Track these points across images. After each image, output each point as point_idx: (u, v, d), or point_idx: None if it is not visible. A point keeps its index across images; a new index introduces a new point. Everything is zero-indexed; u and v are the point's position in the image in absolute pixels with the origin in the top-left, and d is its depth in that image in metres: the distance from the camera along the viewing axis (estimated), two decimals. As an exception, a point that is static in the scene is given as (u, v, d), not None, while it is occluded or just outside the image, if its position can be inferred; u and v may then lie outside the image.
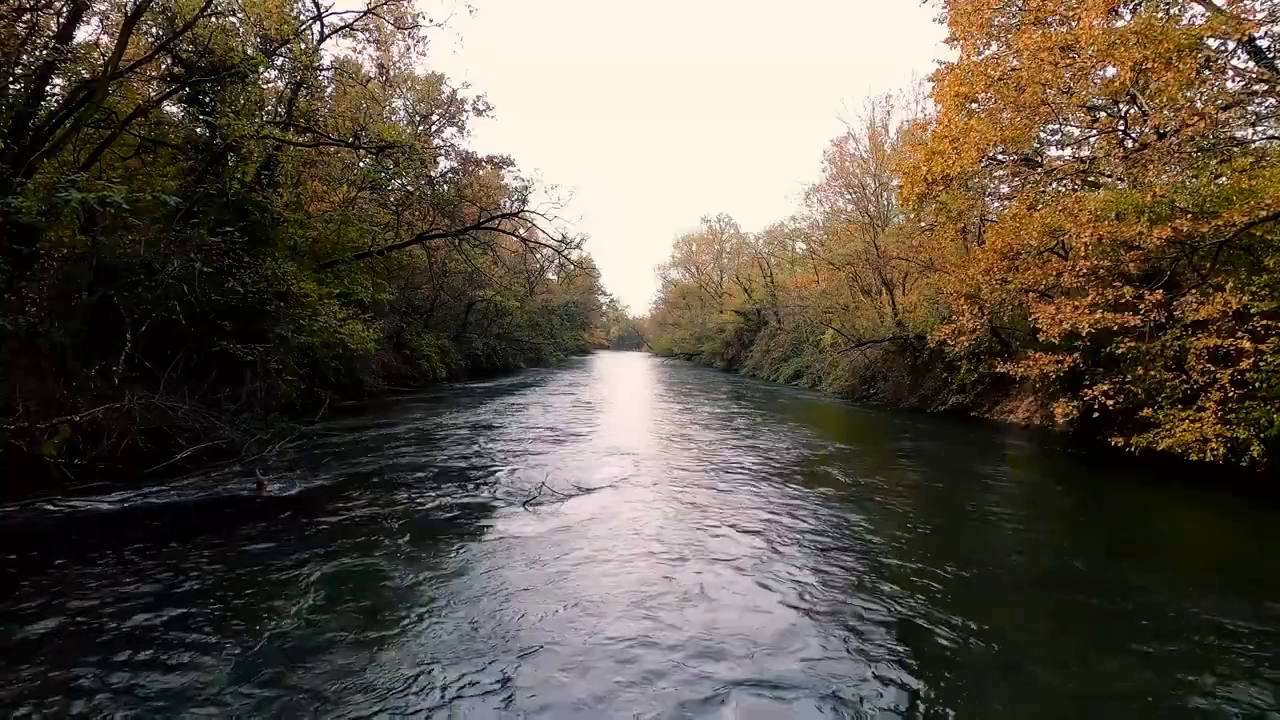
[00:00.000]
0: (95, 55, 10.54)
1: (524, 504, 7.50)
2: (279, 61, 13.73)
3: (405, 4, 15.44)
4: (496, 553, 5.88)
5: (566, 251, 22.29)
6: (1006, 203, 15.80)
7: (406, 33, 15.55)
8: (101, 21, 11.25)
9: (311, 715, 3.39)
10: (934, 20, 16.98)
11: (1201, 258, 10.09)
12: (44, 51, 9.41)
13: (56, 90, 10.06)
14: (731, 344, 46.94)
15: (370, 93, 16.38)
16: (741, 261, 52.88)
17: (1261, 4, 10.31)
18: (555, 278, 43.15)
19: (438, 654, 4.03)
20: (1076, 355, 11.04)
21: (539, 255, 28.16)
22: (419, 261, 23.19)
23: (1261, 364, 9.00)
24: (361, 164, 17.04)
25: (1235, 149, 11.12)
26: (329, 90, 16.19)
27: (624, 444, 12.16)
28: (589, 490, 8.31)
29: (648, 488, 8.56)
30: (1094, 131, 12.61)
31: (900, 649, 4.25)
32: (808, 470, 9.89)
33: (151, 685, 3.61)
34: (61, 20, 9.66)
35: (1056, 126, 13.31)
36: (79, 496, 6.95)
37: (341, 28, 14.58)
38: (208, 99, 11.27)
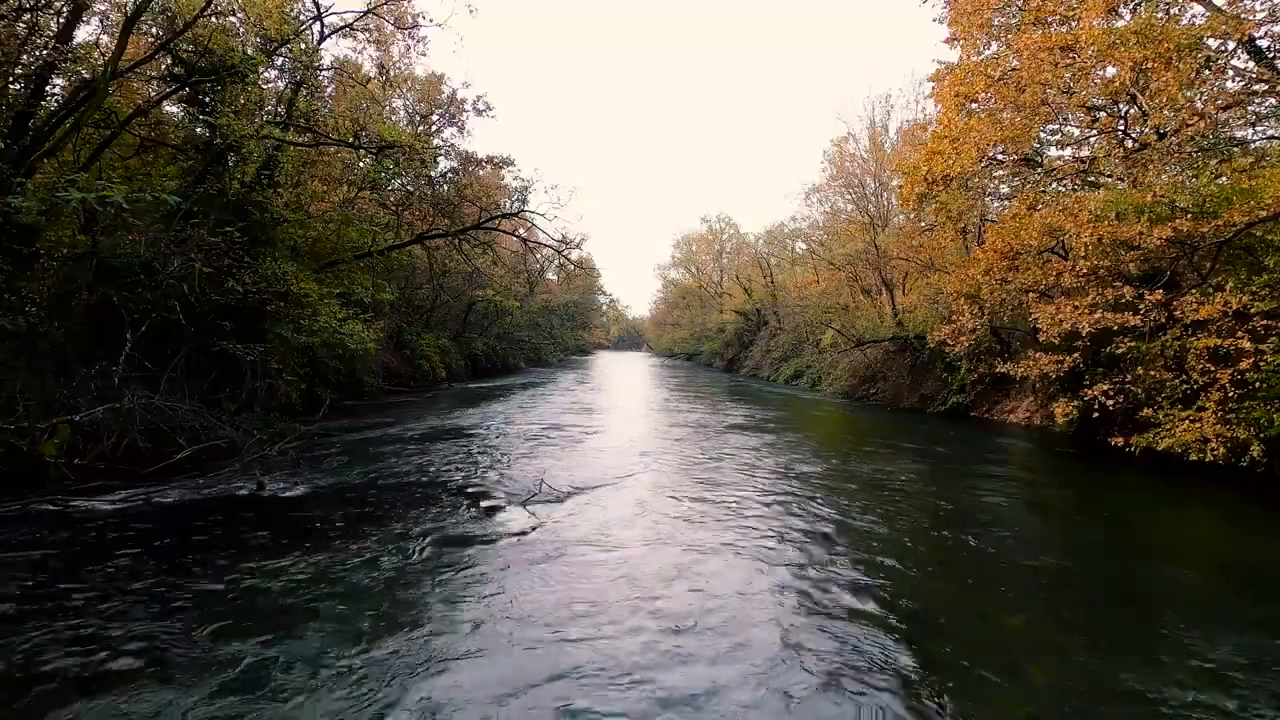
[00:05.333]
0: (95, 55, 10.54)
1: (523, 503, 7.50)
2: (279, 61, 13.72)
3: (405, 4, 15.45)
4: (496, 552, 5.88)
5: (566, 251, 22.29)
6: (1006, 203, 15.80)
7: (406, 33, 15.54)
8: (101, 21, 11.26)
9: (310, 714, 3.39)
10: (934, 20, 16.99)
11: (1201, 258, 10.09)
12: (44, 51, 9.40)
13: (56, 90, 10.05)
14: (731, 344, 46.97)
15: (370, 93, 16.35)
16: (741, 261, 52.87)
17: (1261, 4, 10.31)
18: (555, 278, 43.08)
19: (437, 654, 4.02)
20: (1076, 355, 11.03)
21: (539, 255, 28.13)
22: (419, 261, 23.16)
23: (1261, 364, 9.00)
24: (361, 164, 17.02)
25: (1235, 149, 11.12)
26: (329, 90, 16.18)
27: (622, 443, 12.16)
28: (587, 489, 8.31)
29: (645, 487, 8.56)
30: (1094, 131, 12.61)
31: (899, 648, 4.25)
32: (805, 470, 9.88)
33: (150, 684, 3.61)
34: (61, 20, 9.66)
35: (1056, 126, 13.31)
36: (79, 496, 6.96)
37: (341, 28, 14.59)
38: (208, 99, 11.27)
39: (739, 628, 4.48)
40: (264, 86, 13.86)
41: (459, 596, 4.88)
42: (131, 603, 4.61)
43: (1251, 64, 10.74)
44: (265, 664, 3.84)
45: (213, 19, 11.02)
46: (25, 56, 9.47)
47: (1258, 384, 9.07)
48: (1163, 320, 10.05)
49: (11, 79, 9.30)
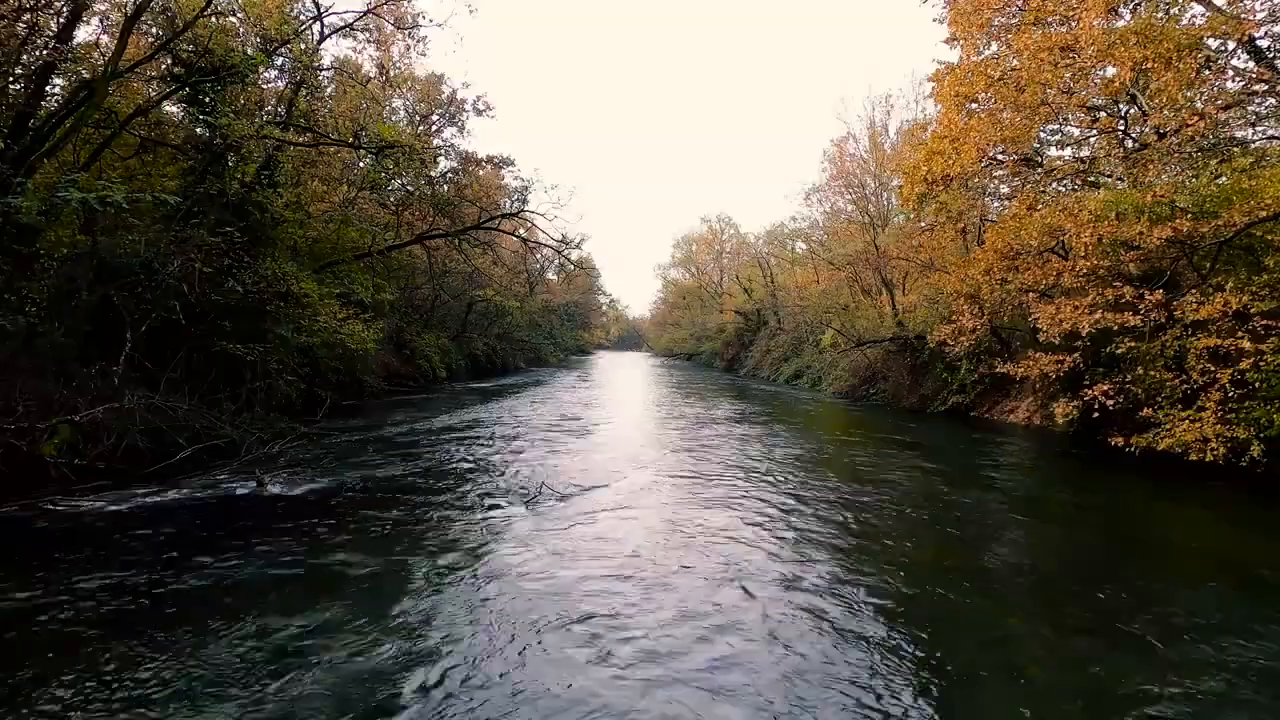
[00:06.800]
0: (95, 55, 10.55)
1: (525, 504, 7.50)
2: (279, 61, 13.73)
3: (405, 4, 15.46)
4: (496, 553, 5.88)
5: (567, 251, 22.28)
6: (1006, 203, 15.80)
7: (406, 33, 15.54)
8: (101, 21, 11.26)
9: (310, 714, 3.39)
10: (934, 20, 17.00)
11: (1201, 258, 10.09)
12: (44, 51, 9.40)
13: (56, 90, 10.06)
14: (731, 344, 46.95)
15: (370, 93, 16.37)
16: (741, 261, 52.90)
17: (1261, 4, 10.31)
18: (555, 278, 43.20)
19: (437, 654, 4.02)
20: (1076, 355, 11.03)
21: (539, 255, 28.20)
22: (419, 261, 23.18)
23: (1261, 364, 9.00)
24: (361, 164, 17.04)
25: (1235, 149, 11.11)
26: (329, 90, 16.18)
27: (623, 443, 12.16)
28: (589, 489, 8.30)
29: (646, 487, 8.56)
30: (1094, 131, 12.61)
31: (899, 649, 4.25)
32: (805, 471, 9.88)
33: (150, 684, 3.61)
34: (61, 20, 9.66)
35: (1056, 126, 13.31)
36: (79, 496, 6.95)
37: (341, 28, 14.59)
38: (208, 99, 11.26)
39: (736, 629, 4.47)
40: (264, 86, 13.88)
41: (459, 596, 4.88)
42: (130, 603, 4.61)
43: (1251, 64, 10.74)
44: (265, 662, 3.84)
45: (213, 19, 11.02)
46: (25, 56, 9.47)
47: (1258, 384, 9.07)
48: (1163, 320, 10.05)
49: (11, 79, 9.30)
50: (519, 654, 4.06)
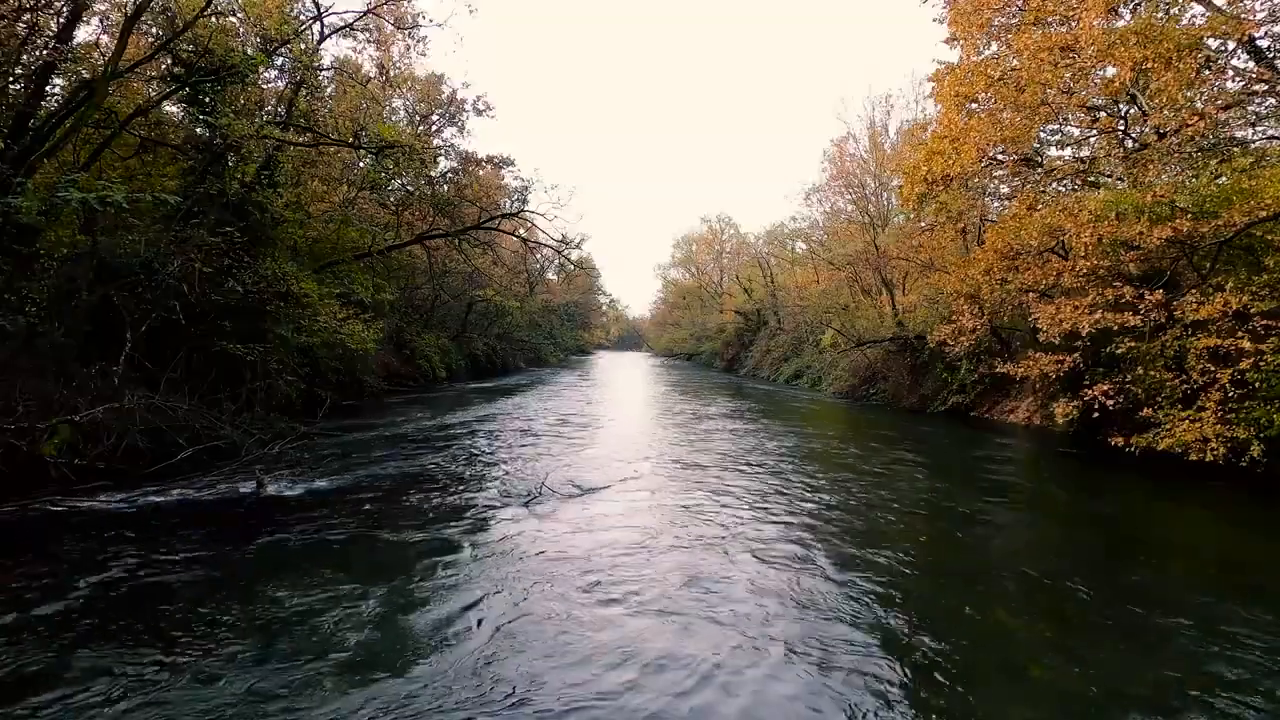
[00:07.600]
0: (95, 55, 10.55)
1: (524, 503, 7.50)
2: (279, 61, 13.73)
3: (405, 4, 15.45)
4: (496, 553, 5.88)
5: (567, 251, 22.25)
6: (1006, 203, 15.80)
7: (406, 33, 15.53)
8: (101, 21, 11.26)
9: (310, 713, 3.39)
10: (934, 20, 17.01)
11: (1201, 258, 10.09)
12: (44, 51, 9.40)
13: (56, 90, 10.06)
14: (731, 344, 46.94)
15: (370, 93, 16.37)
16: (741, 261, 52.89)
17: (1261, 4, 10.31)
18: (555, 278, 43.22)
19: (437, 653, 4.02)
20: (1076, 355, 11.03)
21: (539, 255, 28.16)
22: (419, 261, 23.17)
23: (1261, 364, 9.00)
24: (361, 164, 17.04)
25: (1235, 149, 11.11)
26: (329, 90, 16.17)
27: (623, 443, 12.16)
28: (589, 489, 8.31)
29: (646, 487, 8.55)
30: (1094, 131, 12.61)
31: (899, 649, 4.25)
32: (804, 470, 9.88)
33: (149, 683, 3.61)
34: (61, 20, 9.66)
35: (1056, 126, 13.31)
36: (79, 496, 6.95)
37: (341, 28, 14.59)
38: (208, 99, 11.25)
39: (735, 628, 4.47)
40: (264, 86, 13.88)
41: (460, 595, 4.88)
42: (130, 603, 4.61)
43: (1251, 64, 10.74)
44: (264, 662, 3.84)
45: (213, 19, 11.01)
46: (25, 56, 9.47)
47: (1258, 384, 9.07)
48: (1163, 320, 10.05)
49: (11, 79, 9.30)
50: (546, 604, 4.71)
